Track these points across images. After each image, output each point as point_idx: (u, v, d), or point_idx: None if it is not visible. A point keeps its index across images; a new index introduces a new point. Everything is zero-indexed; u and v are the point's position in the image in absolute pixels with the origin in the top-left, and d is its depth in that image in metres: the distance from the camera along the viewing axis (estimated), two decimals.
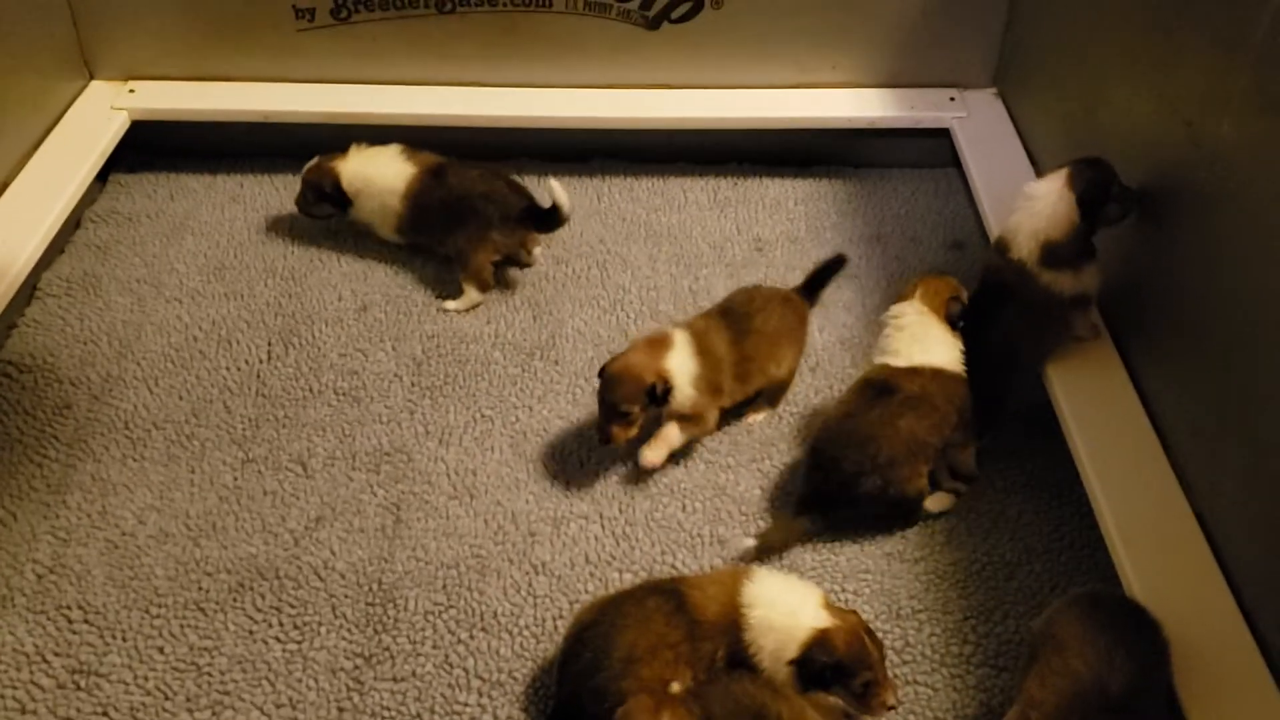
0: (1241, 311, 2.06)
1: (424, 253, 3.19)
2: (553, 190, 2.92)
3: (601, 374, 2.47)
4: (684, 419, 2.52)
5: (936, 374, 2.42)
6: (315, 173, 3.17)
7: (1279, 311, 1.94)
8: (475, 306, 3.04)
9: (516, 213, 3.00)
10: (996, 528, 2.46)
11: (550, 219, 2.98)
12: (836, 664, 1.95)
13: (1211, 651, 1.96)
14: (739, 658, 2.04)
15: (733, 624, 2.04)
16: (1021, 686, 1.94)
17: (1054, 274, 2.47)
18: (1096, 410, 2.45)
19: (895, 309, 2.54)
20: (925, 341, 2.45)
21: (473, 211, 3.00)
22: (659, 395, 2.43)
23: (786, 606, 2.03)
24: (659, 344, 2.50)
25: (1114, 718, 1.78)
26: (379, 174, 3.12)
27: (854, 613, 2.07)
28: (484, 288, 3.04)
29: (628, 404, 2.42)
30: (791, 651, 1.98)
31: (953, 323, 2.49)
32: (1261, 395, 1.99)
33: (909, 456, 2.37)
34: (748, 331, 2.60)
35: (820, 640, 1.96)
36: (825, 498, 2.40)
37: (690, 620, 2.04)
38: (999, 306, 2.52)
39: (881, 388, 2.42)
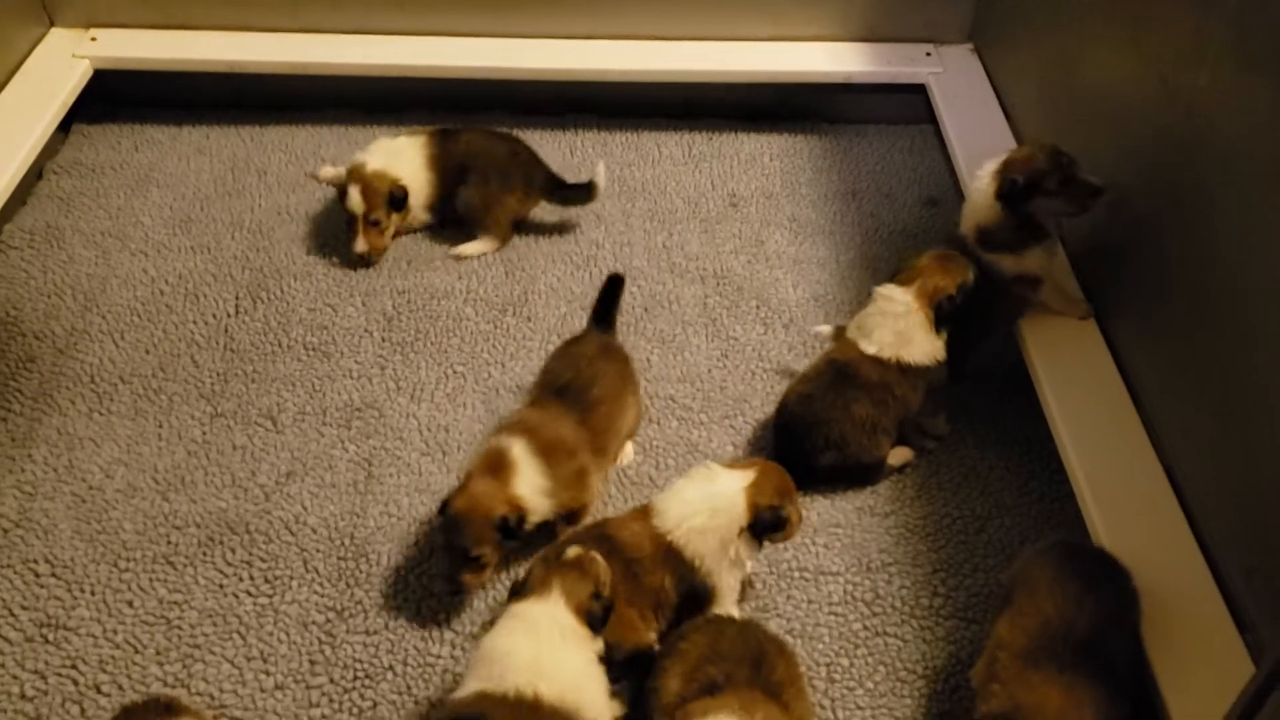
0: (1215, 268, 2.07)
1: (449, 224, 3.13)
2: (598, 174, 3.02)
3: (443, 512, 2.17)
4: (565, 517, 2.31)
5: (904, 368, 2.41)
6: (378, 180, 2.96)
7: (1252, 269, 1.95)
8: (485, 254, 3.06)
9: (541, 181, 3.07)
10: (967, 482, 2.48)
11: (578, 195, 3.07)
12: (775, 507, 2.09)
13: (1177, 601, 1.98)
14: (689, 582, 2.08)
15: (669, 553, 2.07)
16: (991, 633, 1.96)
17: (993, 255, 2.50)
18: (1069, 367, 2.46)
19: (887, 292, 2.46)
20: (904, 336, 2.41)
21: (497, 172, 3.02)
22: (513, 528, 2.15)
23: (705, 505, 2.08)
24: (499, 465, 2.19)
25: (1081, 659, 1.80)
26: (402, 153, 3.04)
27: (751, 462, 2.16)
28: (504, 239, 3.07)
29: (479, 546, 2.13)
30: (739, 526, 2.07)
31: (940, 322, 2.42)
32: (1231, 352, 2.00)
33: (866, 434, 2.41)
34: (591, 405, 2.34)
35: (755, 504, 2.08)
36: (792, 466, 2.41)
37: (626, 559, 2.06)
38: None
39: (843, 371, 2.43)
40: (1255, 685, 1.03)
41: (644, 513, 2.14)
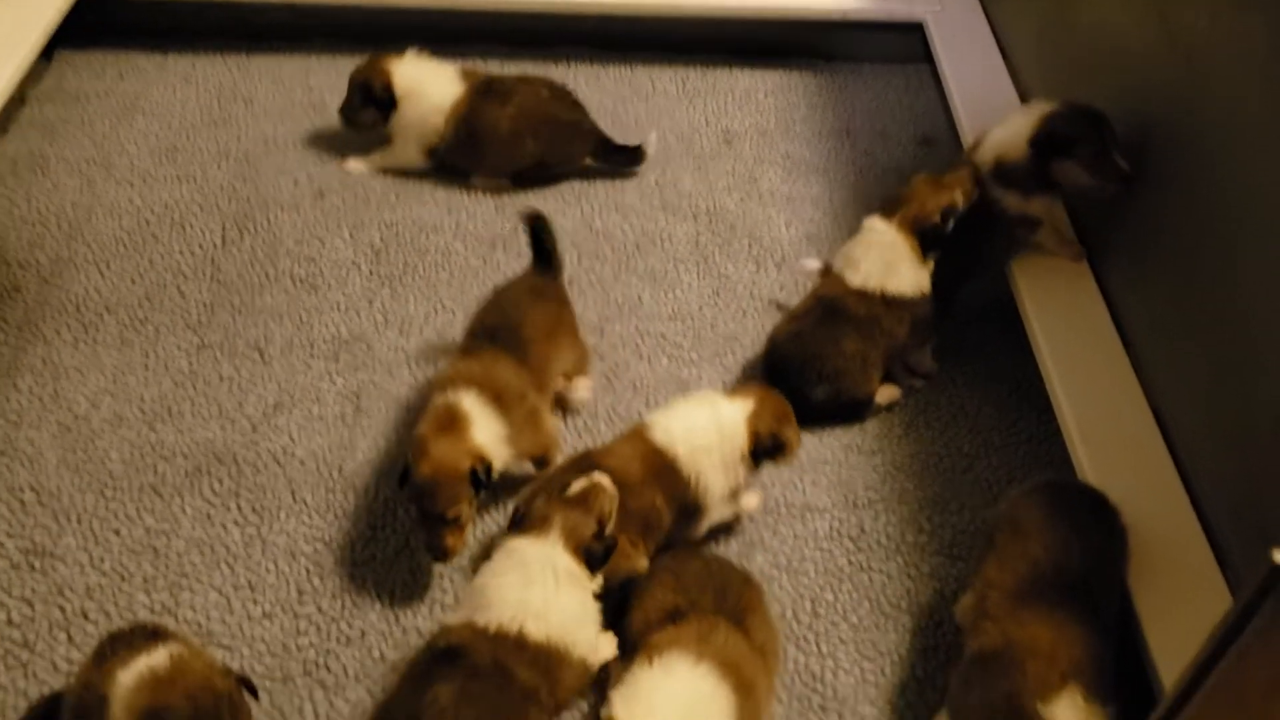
0: (1207, 211, 2.06)
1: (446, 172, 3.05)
2: (649, 141, 3.02)
3: (408, 483, 2.09)
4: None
5: (889, 299, 2.40)
6: (366, 71, 2.95)
7: (1242, 209, 1.93)
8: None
9: (594, 145, 3.02)
10: (955, 421, 2.48)
11: (626, 158, 3.04)
12: (775, 434, 2.14)
13: (1161, 539, 1.99)
14: (681, 500, 2.10)
15: (663, 471, 2.09)
16: (978, 570, 1.98)
17: (1003, 191, 2.47)
18: (1060, 307, 2.46)
19: (872, 223, 2.45)
20: (889, 266, 2.40)
21: (560, 138, 2.97)
22: (484, 479, 2.09)
23: (712, 427, 2.11)
24: (453, 421, 2.11)
25: (1070, 599, 1.82)
26: (432, 83, 2.96)
27: (749, 389, 2.21)
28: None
29: (455, 507, 2.05)
30: (741, 452, 2.12)
31: (925, 248, 2.41)
32: (1221, 295, 2.00)
33: (856, 368, 2.41)
34: (525, 344, 2.27)
35: (756, 431, 2.13)
36: None
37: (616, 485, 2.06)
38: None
39: (831, 307, 2.43)
40: (1231, 618, 1.04)
41: (635, 434, 2.14)
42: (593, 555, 1.91)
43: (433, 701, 1.76)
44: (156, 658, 1.74)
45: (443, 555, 2.09)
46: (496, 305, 2.36)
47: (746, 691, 1.81)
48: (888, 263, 2.40)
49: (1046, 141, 2.39)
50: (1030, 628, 1.79)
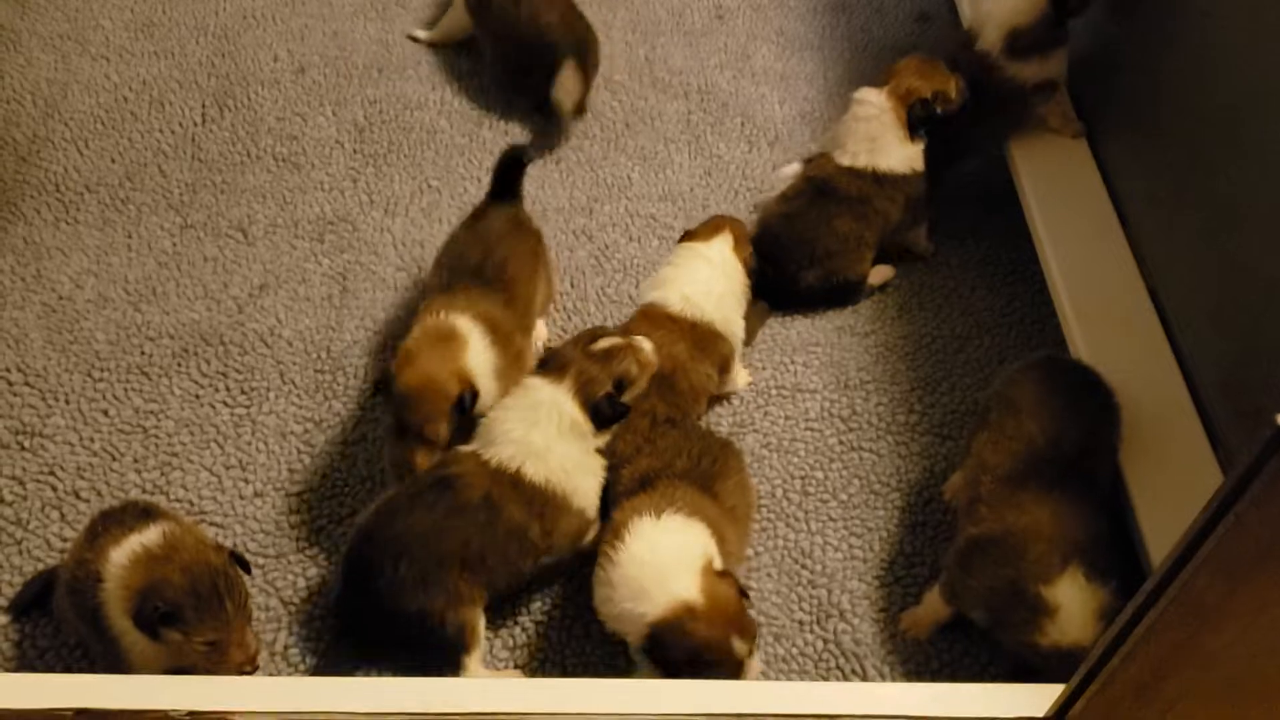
0: (1203, 83, 2.01)
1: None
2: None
3: (387, 388, 1.98)
4: None
5: (880, 177, 2.36)
6: None
7: (1234, 79, 1.89)
8: None
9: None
10: (948, 303, 2.47)
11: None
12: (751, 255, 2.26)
13: (1153, 416, 1.99)
14: (723, 357, 2.18)
15: (705, 338, 2.14)
16: (970, 449, 1.98)
17: (1020, 64, 2.42)
18: (1057, 185, 2.42)
19: (862, 95, 2.40)
20: (877, 142, 2.35)
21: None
22: (467, 406, 1.97)
23: (719, 275, 2.19)
24: (450, 340, 2.01)
25: (1066, 478, 1.83)
26: None
27: (713, 225, 2.26)
28: None
29: (433, 424, 1.95)
30: (743, 284, 2.24)
31: (914, 128, 2.36)
32: (1213, 170, 1.97)
33: (849, 249, 2.38)
34: (509, 283, 2.17)
35: (745, 259, 2.24)
36: (772, 289, 2.39)
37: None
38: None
39: (821, 187, 2.39)
40: (1220, 496, 1.03)
41: (653, 316, 2.14)
42: (600, 412, 1.89)
43: (411, 526, 1.82)
44: (149, 535, 1.74)
45: (407, 472, 1.97)
46: (476, 241, 2.21)
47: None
48: (875, 137, 2.35)
49: None
50: (1029, 512, 1.80)
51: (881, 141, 2.36)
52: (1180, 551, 1.09)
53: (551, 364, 1.93)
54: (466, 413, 1.98)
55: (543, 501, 1.87)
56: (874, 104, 2.36)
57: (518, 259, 2.21)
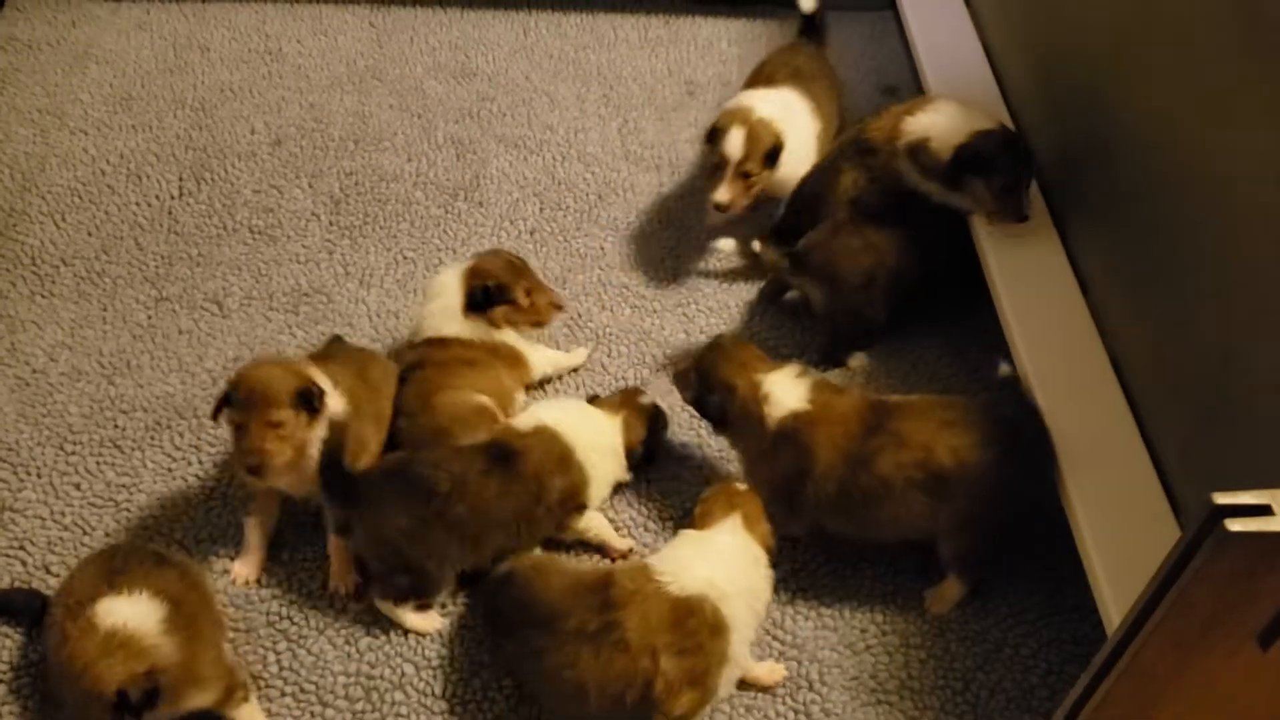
0: (1155, 167, 2.07)
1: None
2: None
3: (230, 393, 1.95)
4: None
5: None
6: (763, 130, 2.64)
7: (1196, 160, 1.95)
8: None
9: None
10: (915, 370, 2.50)
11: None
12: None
13: (1117, 484, 2.01)
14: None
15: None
16: None
17: (919, 176, 2.48)
18: (1020, 258, 2.45)
19: None
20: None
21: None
22: (315, 403, 1.97)
23: None
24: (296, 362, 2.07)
25: None
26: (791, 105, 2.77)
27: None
28: None
29: (277, 408, 1.92)
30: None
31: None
32: (1169, 245, 2.02)
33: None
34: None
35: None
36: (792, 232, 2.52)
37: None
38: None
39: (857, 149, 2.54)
40: (1173, 558, 1.06)
41: None
42: (632, 454, 2.20)
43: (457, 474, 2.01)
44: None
45: (258, 467, 1.93)
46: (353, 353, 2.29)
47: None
48: None
49: (970, 156, 2.40)
50: None
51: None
52: (1130, 624, 1.12)
53: (602, 399, 2.29)
54: (313, 408, 1.97)
55: (566, 462, 2.11)
56: None
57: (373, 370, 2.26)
